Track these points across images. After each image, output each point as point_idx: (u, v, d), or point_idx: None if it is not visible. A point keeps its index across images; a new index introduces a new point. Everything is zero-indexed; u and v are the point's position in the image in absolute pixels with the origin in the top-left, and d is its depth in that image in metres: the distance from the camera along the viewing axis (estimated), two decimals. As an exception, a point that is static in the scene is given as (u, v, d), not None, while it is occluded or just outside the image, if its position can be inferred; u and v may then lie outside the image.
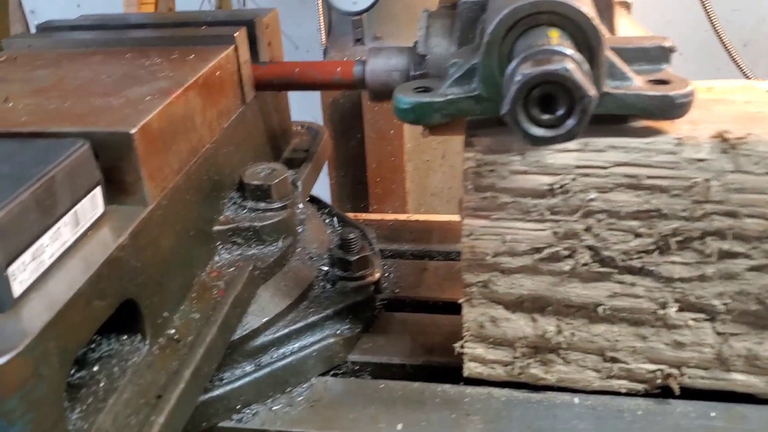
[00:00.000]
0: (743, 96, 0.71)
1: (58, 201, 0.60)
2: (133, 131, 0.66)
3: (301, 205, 0.96)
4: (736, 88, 0.73)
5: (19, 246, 0.55)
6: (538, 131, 0.53)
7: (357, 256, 0.89)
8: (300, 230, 0.93)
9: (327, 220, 1.08)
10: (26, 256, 0.56)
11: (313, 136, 1.16)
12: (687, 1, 2.24)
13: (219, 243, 0.84)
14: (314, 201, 1.11)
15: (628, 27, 0.82)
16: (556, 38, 0.57)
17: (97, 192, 0.66)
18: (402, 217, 1.19)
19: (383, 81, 0.91)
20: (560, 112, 0.52)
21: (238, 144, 0.90)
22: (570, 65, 0.51)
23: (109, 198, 0.68)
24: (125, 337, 0.68)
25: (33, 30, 3.07)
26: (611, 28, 0.78)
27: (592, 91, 0.51)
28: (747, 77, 1.83)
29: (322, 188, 1.76)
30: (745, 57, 1.88)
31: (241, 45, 0.90)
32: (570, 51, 0.53)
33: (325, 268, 0.91)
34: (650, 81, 0.64)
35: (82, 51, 0.91)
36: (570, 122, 0.52)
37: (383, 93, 0.92)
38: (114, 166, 0.67)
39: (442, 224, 1.12)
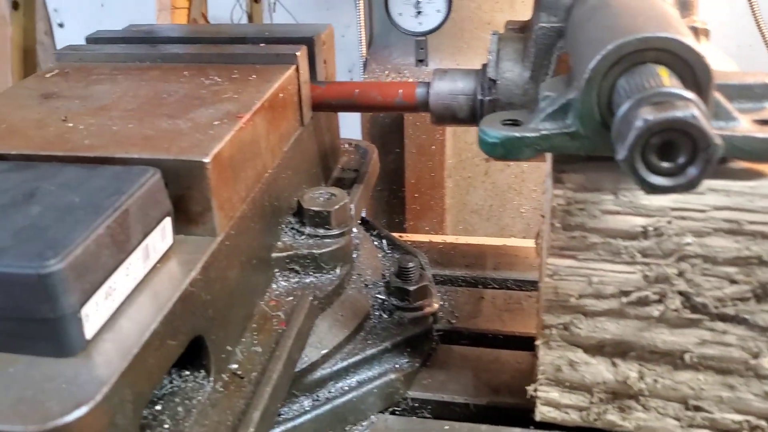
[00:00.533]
0: None
1: (131, 234, 0.57)
2: (206, 160, 0.63)
3: (354, 230, 0.93)
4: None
5: (93, 284, 0.52)
6: (657, 180, 0.49)
7: (416, 286, 0.86)
8: (355, 255, 0.90)
9: (376, 243, 1.05)
10: (99, 295, 0.53)
11: (361, 154, 1.13)
12: (732, 16, 2.21)
13: (277, 270, 0.81)
14: (362, 222, 1.07)
15: (711, 54, 0.79)
16: (666, 78, 0.53)
17: (167, 223, 0.63)
18: (450, 239, 1.16)
19: (447, 104, 0.88)
20: (681, 160, 0.49)
21: (296, 167, 0.87)
22: (696, 112, 0.47)
23: (177, 228, 0.65)
24: (187, 372, 0.65)
25: (55, 28, 3.04)
26: (696, 59, 0.75)
27: (717, 140, 0.47)
28: None
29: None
30: None
31: (302, 65, 0.87)
32: (691, 95, 0.49)
33: (382, 297, 0.88)
34: (755, 121, 0.60)
35: (137, 66, 0.88)
36: (692, 171, 0.48)
37: (446, 117, 0.89)
38: (183, 196, 0.64)
39: (496, 249, 1.09)
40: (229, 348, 0.68)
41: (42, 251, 0.50)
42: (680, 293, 0.65)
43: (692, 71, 0.56)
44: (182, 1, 1.91)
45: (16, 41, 2.48)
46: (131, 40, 0.95)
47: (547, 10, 0.79)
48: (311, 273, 0.81)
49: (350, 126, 1.64)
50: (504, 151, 0.62)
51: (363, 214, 1.67)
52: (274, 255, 0.80)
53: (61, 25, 3.46)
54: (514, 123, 0.64)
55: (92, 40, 0.97)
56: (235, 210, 0.69)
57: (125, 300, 0.57)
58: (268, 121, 0.77)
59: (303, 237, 0.83)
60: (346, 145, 1.16)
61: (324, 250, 0.81)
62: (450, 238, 1.16)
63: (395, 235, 1.18)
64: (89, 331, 0.52)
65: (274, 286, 0.80)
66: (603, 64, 0.57)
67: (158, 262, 0.62)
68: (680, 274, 0.64)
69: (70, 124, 0.71)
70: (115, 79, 0.84)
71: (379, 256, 0.99)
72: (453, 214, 1.58)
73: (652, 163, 0.49)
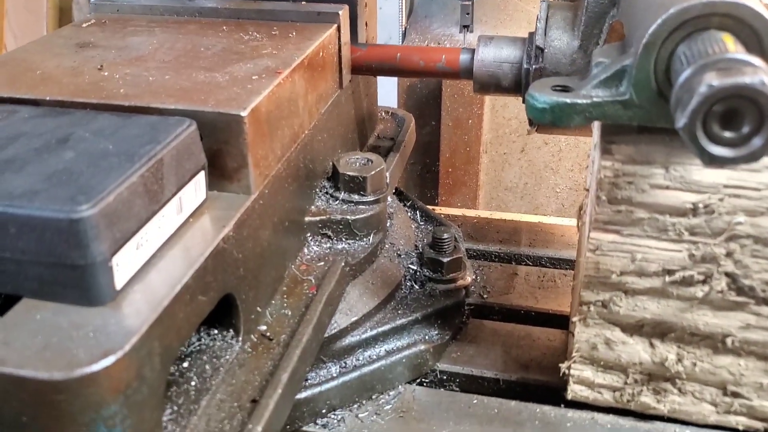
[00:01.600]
0: None
1: (165, 186, 0.56)
2: (244, 114, 0.61)
3: (389, 199, 0.91)
4: None
5: (125, 234, 0.51)
6: (718, 150, 0.46)
7: (450, 258, 0.84)
8: (388, 224, 0.88)
9: (410, 213, 1.03)
10: (131, 245, 0.52)
11: (398, 123, 1.11)
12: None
13: (309, 234, 0.79)
14: (395, 192, 1.05)
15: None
16: (731, 43, 0.50)
17: (201, 177, 0.61)
18: (485, 213, 1.14)
19: (492, 72, 0.85)
20: (746, 129, 0.46)
21: (332, 130, 0.85)
22: (766, 78, 0.44)
23: (212, 183, 0.63)
24: (216, 331, 0.64)
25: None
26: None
27: (788, 110, 0.44)
28: None
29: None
30: None
31: (344, 24, 0.85)
32: (760, 62, 0.46)
33: (414, 268, 0.86)
34: (821, 97, 0.57)
35: (174, 19, 0.87)
36: (756, 142, 0.46)
37: (490, 85, 0.86)
38: (219, 150, 0.63)
39: (531, 225, 1.06)
40: (258, 309, 0.67)
41: (74, 196, 0.49)
42: (727, 274, 0.62)
43: (759, 39, 0.53)
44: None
45: (53, 0, 2.49)
46: (170, -6, 0.93)
47: (602, -24, 0.76)
48: (344, 239, 0.80)
49: (386, 96, 1.61)
50: (553, 117, 0.60)
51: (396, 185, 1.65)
52: (307, 219, 0.78)
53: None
54: (565, 89, 0.61)
55: (131, -8, 0.95)
56: (270, 168, 0.68)
57: (156, 252, 0.55)
58: (307, 80, 0.75)
59: (337, 202, 0.81)
60: (383, 113, 1.13)
61: (358, 217, 0.79)
62: (484, 213, 1.14)
63: (429, 207, 1.17)
64: (119, 281, 0.51)
65: (305, 250, 0.78)
66: (663, 28, 0.54)
67: (191, 216, 0.60)
68: (728, 254, 0.62)
69: (106, 73, 0.70)
70: (152, 31, 0.82)
71: (413, 226, 0.97)
72: (487, 190, 1.55)
73: (713, 132, 0.47)
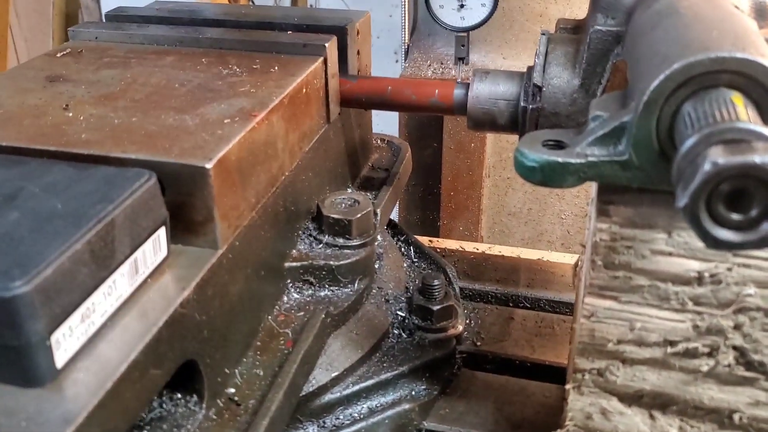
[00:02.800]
0: None
1: (116, 248, 0.51)
2: (209, 165, 0.57)
3: (379, 237, 0.86)
4: None
5: (68, 307, 0.47)
6: (723, 233, 0.41)
7: (440, 305, 0.79)
8: (377, 266, 0.83)
9: (403, 249, 0.98)
10: (75, 318, 0.47)
11: (393, 152, 1.06)
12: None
13: (289, 281, 0.74)
14: (389, 226, 1.01)
15: None
16: (742, 107, 0.45)
17: (162, 233, 0.56)
18: (483, 247, 1.08)
19: (487, 110, 0.80)
20: (754, 212, 0.41)
21: (318, 167, 0.80)
22: (778, 157, 0.39)
23: (175, 237, 0.59)
24: (179, 395, 0.59)
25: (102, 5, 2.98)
26: None
27: (803, 193, 0.39)
28: None
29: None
30: None
31: (331, 57, 0.80)
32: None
33: (403, 314, 0.81)
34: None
35: (154, 48, 0.82)
36: (766, 226, 0.40)
37: (485, 123, 0.81)
38: (183, 203, 0.58)
39: (531, 263, 1.01)
40: (226, 371, 0.62)
41: (9, 269, 0.44)
42: (735, 348, 0.57)
43: (770, 100, 0.47)
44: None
45: (59, 5, 2.46)
46: (151, 20, 0.89)
47: (605, 10, 0.70)
48: (327, 286, 0.75)
49: (386, 116, 1.56)
50: (543, 177, 0.55)
51: (396, 210, 1.60)
52: (287, 264, 0.74)
53: (107, -10, 3.42)
54: (558, 144, 0.56)
55: (112, 16, 0.91)
56: (242, 218, 0.63)
57: (107, 321, 0.51)
58: (288, 118, 0.71)
59: (320, 246, 0.76)
60: (378, 141, 1.09)
61: (342, 262, 0.75)
62: (483, 247, 1.09)
63: (425, 239, 1.12)
64: (60, 359, 0.47)
65: (285, 298, 0.74)
66: (667, 85, 0.49)
67: (150, 276, 0.56)
68: (737, 327, 0.56)
69: (70, 114, 0.65)
70: (129, 62, 0.78)
71: (405, 265, 0.92)
72: (489, 215, 1.50)
73: (718, 213, 0.41)
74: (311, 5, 2.91)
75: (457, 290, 0.91)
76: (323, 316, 0.71)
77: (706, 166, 0.40)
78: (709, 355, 0.58)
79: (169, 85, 0.72)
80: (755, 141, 0.41)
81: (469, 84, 0.81)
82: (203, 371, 0.58)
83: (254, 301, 0.67)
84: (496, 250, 1.08)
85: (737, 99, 0.46)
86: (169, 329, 0.53)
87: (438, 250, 1.08)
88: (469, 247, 1.09)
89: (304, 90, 0.74)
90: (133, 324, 0.51)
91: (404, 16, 1.44)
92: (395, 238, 0.98)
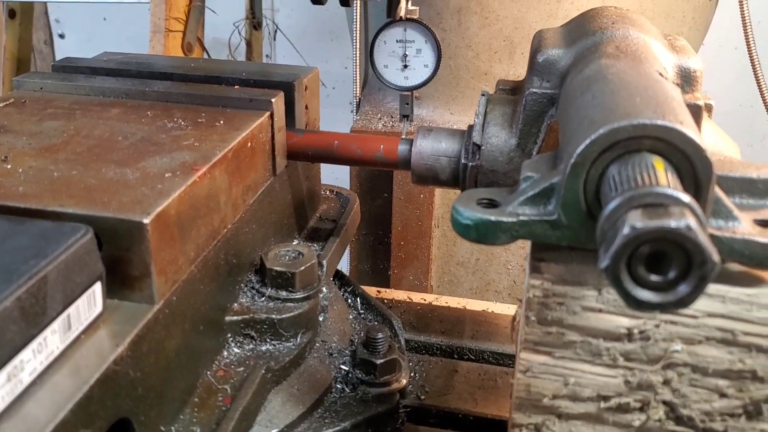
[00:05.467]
0: None
1: (48, 305, 0.50)
2: (146, 221, 0.57)
3: (324, 289, 0.86)
4: None
5: (-6, 365, 0.46)
6: (644, 294, 0.43)
7: (383, 359, 0.79)
8: (321, 318, 0.83)
9: (350, 300, 0.98)
10: (1, 378, 0.46)
11: (342, 203, 1.07)
12: (728, 77, 2.17)
13: (230, 335, 0.74)
14: (336, 276, 1.01)
15: (712, 134, 0.73)
16: (662, 172, 0.47)
17: (97, 288, 0.56)
18: (430, 298, 1.09)
19: (429, 165, 0.82)
20: (672, 274, 0.42)
21: (263, 219, 0.80)
22: (692, 222, 0.41)
23: (112, 291, 0.58)
24: (111, 454, 0.58)
25: (55, 38, 2.98)
26: (698, 138, 0.69)
27: (715, 257, 0.41)
28: None
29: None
30: None
31: (277, 112, 0.81)
32: (688, 198, 0.43)
33: (346, 368, 0.81)
34: (757, 222, 0.54)
35: (100, 100, 0.82)
36: (683, 288, 0.42)
37: (428, 178, 0.83)
38: (120, 257, 0.58)
39: (475, 315, 1.02)
40: (162, 428, 0.61)
41: (-68, 327, 0.43)
42: (665, 403, 0.58)
43: (691, 165, 0.50)
44: (176, 24, 1.87)
45: (10, 50, 2.44)
46: (99, 71, 0.89)
47: (540, 74, 0.73)
48: (269, 340, 0.75)
49: (339, 166, 1.58)
50: (478, 235, 0.56)
51: (347, 260, 1.61)
52: (227, 318, 0.73)
53: (61, 36, 3.42)
54: (492, 203, 0.57)
55: (59, 67, 0.91)
56: (180, 273, 0.63)
57: (36, 379, 0.50)
58: (231, 172, 0.71)
59: (263, 299, 0.76)
60: (328, 192, 1.10)
61: (285, 316, 0.75)
62: (430, 298, 1.10)
63: (374, 290, 1.12)
64: (-17, 419, 0.45)
65: (225, 353, 0.73)
66: (592, 149, 0.51)
67: (83, 332, 0.55)
68: (666, 382, 0.58)
69: (9, 166, 0.65)
70: (73, 114, 0.78)
71: (350, 317, 0.92)
72: (439, 265, 1.51)
73: (639, 275, 0.43)
74: (267, 56, 2.94)
75: (403, 342, 0.91)
76: (263, 371, 0.70)
77: (625, 230, 0.42)
78: (641, 410, 0.59)
79: (113, 138, 0.72)
80: (672, 205, 0.43)
81: (413, 140, 0.83)
82: (137, 429, 0.57)
83: (192, 357, 0.67)
84: (443, 300, 1.09)
85: (658, 164, 0.49)
86: (102, 387, 0.52)
87: (386, 300, 1.09)
88: (417, 297, 1.10)
89: (249, 144, 0.75)
90: (64, 382, 0.51)
91: (356, 70, 1.47)
92: (342, 289, 0.99)
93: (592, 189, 0.52)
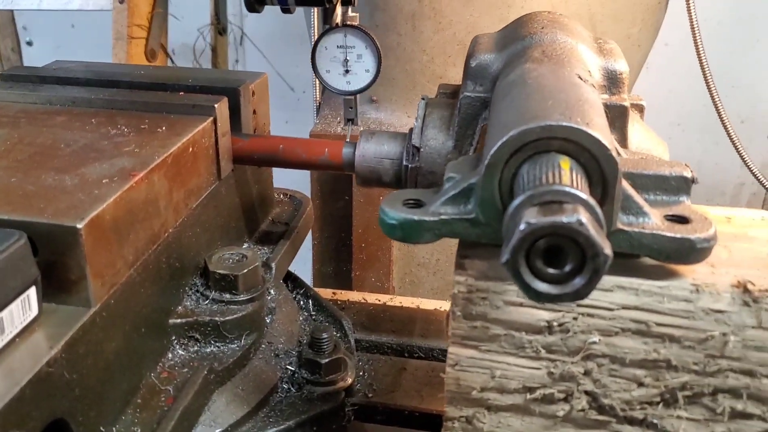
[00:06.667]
0: (765, 233, 0.64)
1: (-21, 309, 0.52)
2: (80, 225, 0.58)
3: (272, 291, 0.88)
4: (757, 222, 0.66)
5: None
6: (542, 286, 0.45)
7: (328, 359, 0.81)
8: (268, 320, 0.85)
9: (302, 302, 1.00)
10: (-70, 379, 0.48)
11: (295, 206, 1.08)
12: (690, 76, 2.21)
13: (174, 338, 0.75)
14: (289, 278, 1.03)
15: (640, 133, 0.75)
16: (567, 171, 0.49)
17: (32, 292, 0.57)
18: (385, 298, 1.11)
19: (373, 168, 0.84)
20: (568, 267, 0.44)
21: (208, 223, 0.82)
22: (584, 217, 0.43)
23: (50, 296, 0.60)
24: (50, 455, 0.59)
25: (23, 46, 2.97)
26: (624, 138, 0.72)
27: (607, 250, 0.43)
28: (742, 157, 1.76)
29: (304, 247, 1.68)
30: (742, 133, 1.82)
31: (221, 117, 0.82)
32: (584, 195, 0.45)
33: (292, 368, 0.83)
34: (668, 217, 0.56)
35: (45, 108, 0.83)
36: (578, 281, 0.44)
37: (372, 180, 0.85)
38: (56, 262, 0.59)
39: (427, 314, 1.04)
40: (102, 429, 0.63)
41: None
42: (587, 393, 0.61)
43: (598, 163, 0.52)
44: (139, 31, 1.87)
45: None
46: (47, 80, 0.90)
47: (473, 78, 0.75)
48: (213, 342, 0.76)
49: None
50: (403, 234, 0.58)
51: (309, 263, 1.62)
52: (171, 321, 0.75)
53: (29, 43, 3.40)
54: (417, 203, 0.60)
55: (8, 76, 0.92)
56: (118, 276, 0.64)
57: (-32, 381, 0.51)
58: (171, 177, 0.73)
59: (207, 302, 0.78)
60: (282, 196, 1.11)
61: (228, 318, 0.76)
62: (384, 298, 1.12)
63: (329, 292, 1.14)
64: None
65: (169, 355, 0.75)
66: (504, 150, 0.53)
67: (18, 335, 0.56)
68: (586, 373, 0.60)
69: (-51, 174, 0.66)
70: (18, 123, 0.79)
71: (300, 319, 0.94)
72: (400, 266, 1.54)
73: (537, 268, 0.45)
74: (237, 61, 2.95)
75: (352, 342, 0.93)
76: (206, 372, 0.72)
77: (521, 226, 0.44)
78: (565, 400, 0.61)
79: (55, 146, 0.73)
80: (567, 202, 0.45)
81: (356, 143, 0.85)
82: (75, 430, 0.59)
83: (134, 359, 0.68)
84: (397, 301, 1.11)
85: (565, 163, 0.51)
86: (35, 388, 0.53)
87: (340, 302, 1.10)
88: (371, 298, 1.12)
89: (191, 149, 0.77)
90: (-4, 384, 0.52)
91: (314, 78, 1.49)
92: (294, 292, 1.00)
93: (506, 188, 0.54)
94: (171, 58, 2.04)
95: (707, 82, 1.53)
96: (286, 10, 0.78)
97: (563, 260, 0.45)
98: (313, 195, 1.54)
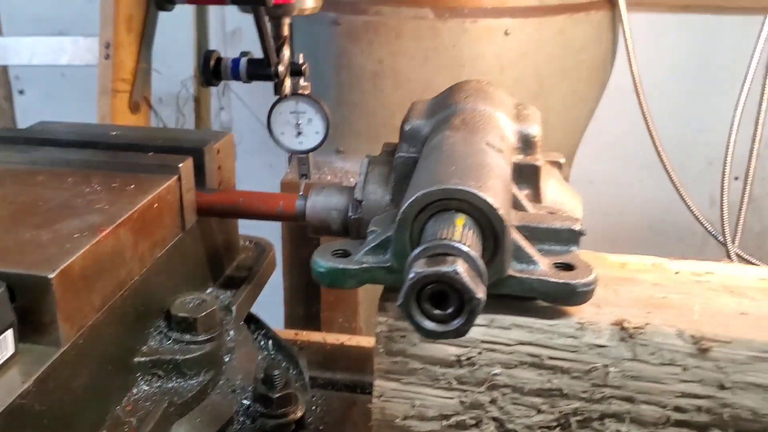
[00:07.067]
0: (653, 277, 0.74)
1: (-39, 348, 0.60)
2: (51, 276, 0.67)
3: (232, 332, 0.96)
4: (648, 267, 0.76)
5: None
6: (430, 325, 0.54)
7: (279, 393, 0.89)
8: (227, 359, 0.93)
9: (262, 343, 1.08)
10: None
11: (259, 252, 1.17)
12: (659, 120, 2.34)
13: (139, 374, 0.84)
14: (252, 320, 1.11)
15: (555, 188, 0.85)
16: (460, 227, 0.59)
17: (9, 334, 0.66)
18: (344, 338, 1.20)
19: (322, 218, 0.93)
20: (450, 309, 0.54)
21: (173, 271, 0.91)
22: (461, 267, 0.52)
23: (25, 336, 0.68)
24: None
25: (15, 95, 3.07)
26: (537, 194, 0.81)
27: (479, 294, 0.52)
28: (683, 197, 1.85)
29: (277, 290, 1.77)
30: (710, 175, 1.90)
31: (185, 175, 0.92)
32: (465, 248, 0.55)
33: (247, 402, 0.91)
34: (556, 264, 0.66)
35: (28, 168, 0.93)
36: (457, 321, 0.53)
37: (322, 229, 0.94)
38: (30, 307, 0.68)
39: (379, 353, 1.12)
40: (69, 456, 0.71)
41: None
42: (494, 419, 0.69)
43: (489, 220, 0.62)
44: (123, 85, 1.98)
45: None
46: (31, 141, 1.00)
47: (407, 140, 0.85)
48: (174, 378, 0.84)
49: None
50: (331, 281, 0.67)
51: (281, 305, 1.70)
52: (136, 359, 0.83)
53: (21, 92, 3.52)
54: (345, 253, 0.69)
55: (-5, 138, 1.01)
56: (86, 319, 0.73)
57: (-50, 411, 0.60)
58: (137, 231, 0.82)
59: (170, 342, 0.86)
60: (247, 242, 1.20)
61: (188, 356, 0.85)
62: (343, 338, 1.20)
63: (292, 333, 1.23)
64: None
65: (135, 390, 0.83)
66: (412, 209, 0.63)
67: (-5, 372, 0.65)
68: (492, 401, 0.69)
69: (-63, 230, 0.75)
70: (4, 182, 0.88)
71: (259, 358, 1.02)
72: (365, 306, 1.62)
73: (426, 310, 0.54)
74: (222, 108, 3.06)
75: (307, 379, 1.01)
76: (166, 405, 0.80)
77: (411, 274, 0.53)
78: (476, 425, 0.70)
79: (34, 203, 0.82)
80: (452, 254, 0.55)
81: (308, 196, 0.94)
82: (43, 458, 0.67)
83: (100, 393, 0.76)
84: (355, 341, 1.19)
85: (460, 221, 0.61)
86: (8, 418, 0.61)
87: (301, 342, 1.19)
88: (331, 338, 1.20)
89: (156, 204, 0.86)
90: (-26, 414, 0.60)
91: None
92: (256, 333, 1.09)
93: (416, 240, 0.64)
94: (154, 110, 2.14)
95: (649, 129, 1.65)
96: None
97: (447, 304, 0.54)
98: (284, 240, 1.63)
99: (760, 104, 1.68)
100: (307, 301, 1.68)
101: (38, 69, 3.46)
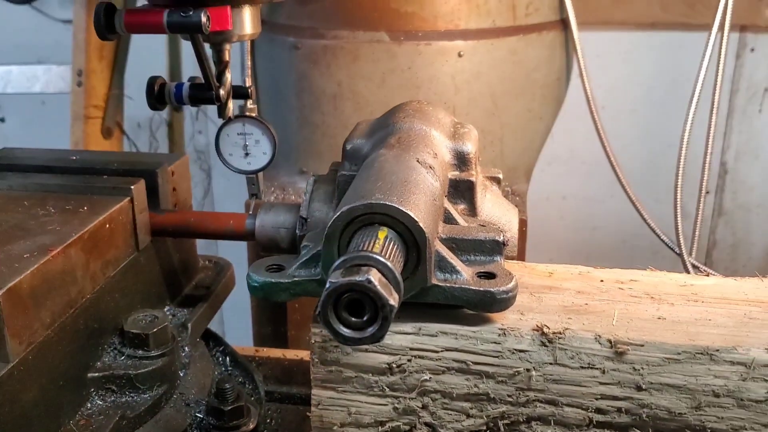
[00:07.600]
0: (577, 284, 0.77)
1: None
2: (-3, 294, 0.70)
3: (187, 348, 0.99)
4: (574, 276, 0.80)
5: None
6: (347, 332, 0.57)
7: (231, 406, 0.92)
8: (182, 374, 0.96)
9: (220, 359, 1.11)
10: None
11: (218, 271, 1.20)
12: (628, 138, 2.38)
13: (93, 390, 0.86)
14: (210, 337, 1.14)
15: (491, 202, 0.88)
16: (381, 239, 0.62)
17: (-44, 351, 0.69)
18: (303, 354, 1.22)
19: (271, 236, 0.96)
20: (366, 316, 0.57)
21: (127, 289, 0.94)
22: (373, 277, 0.56)
23: (-27, 353, 0.71)
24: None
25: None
26: (473, 208, 0.84)
27: (391, 302, 0.56)
28: (640, 213, 1.88)
29: (246, 310, 1.79)
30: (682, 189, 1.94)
31: (138, 196, 0.95)
32: (382, 259, 0.58)
33: (201, 416, 0.93)
34: (479, 274, 0.69)
35: (-14, 193, 0.96)
36: (372, 327, 0.57)
37: (271, 247, 0.97)
38: (-21, 325, 0.71)
39: (335, 367, 1.15)
40: (19, 469, 0.73)
41: None
42: (426, 424, 0.72)
43: (411, 232, 0.65)
44: (96, 111, 2.02)
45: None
46: (-8, 167, 1.03)
47: (349, 159, 0.89)
48: (127, 393, 0.87)
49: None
50: (265, 294, 0.71)
51: (248, 325, 1.73)
52: (90, 375, 0.86)
53: (2, 120, 3.54)
54: (279, 268, 0.72)
55: (-44, 164, 1.04)
56: (35, 336, 0.76)
57: None
58: (88, 250, 0.85)
59: (123, 357, 0.89)
60: (207, 262, 1.23)
61: (140, 371, 0.87)
62: (303, 354, 1.23)
63: (252, 349, 1.25)
64: None
65: (89, 404, 0.85)
66: (338, 224, 0.66)
67: (-57, 387, 0.67)
68: (424, 407, 0.72)
69: None
70: (-39, 207, 0.91)
71: (216, 373, 1.05)
72: (332, 324, 1.65)
73: (344, 317, 0.58)
74: (200, 132, 3.10)
75: (262, 393, 1.04)
76: (117, 418, 0.83)
77: (327, 284, 0.57)
78: (409, 431, 0.73)
79: (-11, 226, 0.85)
80: (368, 265, 0.58)
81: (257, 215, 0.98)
82: (-9, 470, 0.69)
83: (51, 408, 0.79)
84: (314, 356, 1.22)
85: (382, 233, 0.64)
86: (-47, 430, 0.64)
87: (261, 358, 1.21)
88: (290, 354, 1.23)
89: (108, 225, 0.89)
90: None
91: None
92: (214, 349, 1.12)
93: (344, 252, 0.67)
94: (127, 135, 2.18)
95: (603, 143, 1.69)
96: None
97: (363, 311, 0.58)
98: (249, 260, 1.66)
99: (710, 119, 1.73)
100: (275, 320, 1.71)
101: (18, 97, 3.49)
